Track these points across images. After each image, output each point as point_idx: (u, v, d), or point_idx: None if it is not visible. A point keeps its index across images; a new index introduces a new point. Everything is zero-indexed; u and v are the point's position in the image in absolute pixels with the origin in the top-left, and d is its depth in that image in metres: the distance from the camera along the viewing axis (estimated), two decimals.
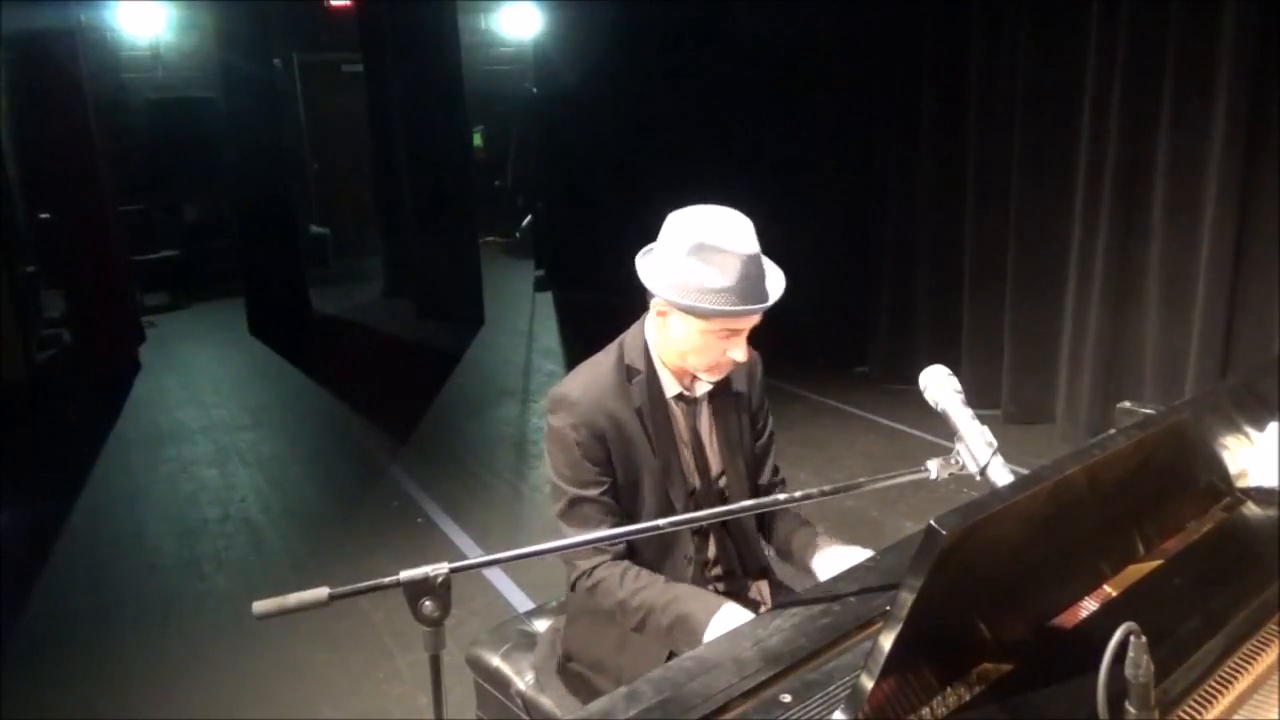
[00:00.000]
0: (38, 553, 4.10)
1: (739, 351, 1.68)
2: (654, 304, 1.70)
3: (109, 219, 6.82)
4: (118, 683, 3.13)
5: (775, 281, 1.68)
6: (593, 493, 1.73)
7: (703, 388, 1.81)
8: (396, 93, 8.09)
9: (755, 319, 1.67)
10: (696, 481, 1.83)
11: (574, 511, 1.74)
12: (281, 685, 3.06)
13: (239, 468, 5.05)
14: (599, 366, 1.80)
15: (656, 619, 1.67)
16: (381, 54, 8.37)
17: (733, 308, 1.60)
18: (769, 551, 2.00)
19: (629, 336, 1.81)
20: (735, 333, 1.66)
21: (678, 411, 1.82)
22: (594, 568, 1.72)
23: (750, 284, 1.61)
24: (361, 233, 10.64)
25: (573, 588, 1.77)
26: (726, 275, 1.59)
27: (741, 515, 1.82)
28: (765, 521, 1.99)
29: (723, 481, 1.86)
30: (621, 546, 1.76)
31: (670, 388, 1.80)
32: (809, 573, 1.83)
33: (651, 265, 1.68)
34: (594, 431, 1.72)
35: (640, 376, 1.77)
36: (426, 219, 8.03)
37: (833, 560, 1.78)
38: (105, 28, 9.72)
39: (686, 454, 1.82)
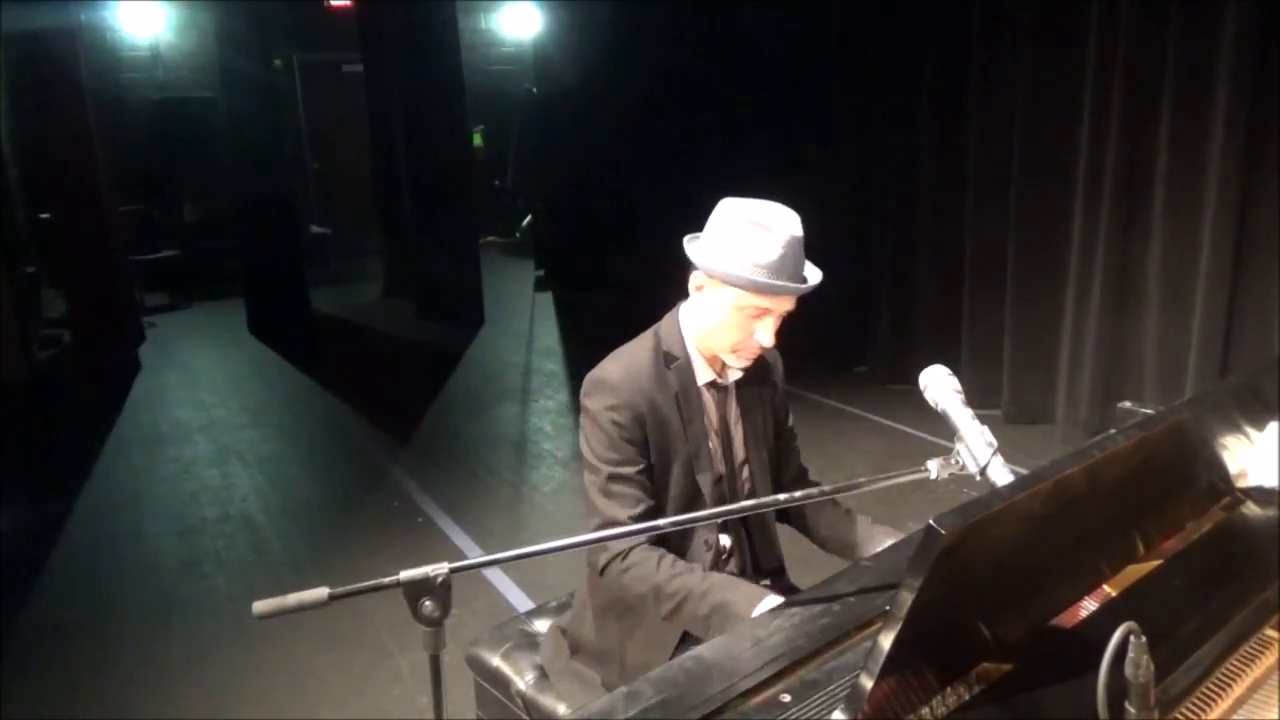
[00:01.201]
0: (38, 553, 4.10)
1: (766, 334, 1.70)
2: (693, 279, 1.74)
3: (109, 219, 6.83)
4: (118, 683, 3.13)
5: (812, 273, 1.73)
6: (630, 470, 1.74)
7: (734, 374, 1.84)
8: (396, 93, 8.09)
9: (788, 304, 1.70)
10: (723, 469, 1.86)
11: (611, 488, 1.74)
12: (281, 685, 3.06)
13: (239, 467, 5.05)
14: (636, 352, 1.82)
15: (694, 605, 1.66)
16: (381, 54, 8.37)
17: (766, 280, 1.63)
18: (778, 547, 2.00)
19: (664, 325, 1.84)
20: (766, 313, 1.69)
21: (709, 399, 1.84)
22: (630, 550, 1.72)
23: (788, 264, 1.65)
24: (361, 233, 10.65)
25: (602, 571, 1.76)
26: (768, 251, 1.63)
27: (742, 514, 1.82)
28: (795, 516, 2.00)
29: (747, 470, 1.88)
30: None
31: (703, 375, 1.82)
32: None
33: (696, 242, 1.73)
34: (634, 414, 1.74)
35: (678, 362, 1.79)
36: (426, 219, 8.02)
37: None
38: (105, 28, 9.73)
39: (716, 440, 1.85)
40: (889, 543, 1.82)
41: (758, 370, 1.87)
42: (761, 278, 1.63)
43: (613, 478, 1.74)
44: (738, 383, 1.86)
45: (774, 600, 1.62)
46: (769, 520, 1.94)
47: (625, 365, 1.79)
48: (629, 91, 7.51)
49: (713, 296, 1.71)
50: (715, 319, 1.72)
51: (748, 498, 1.85)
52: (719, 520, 1.83)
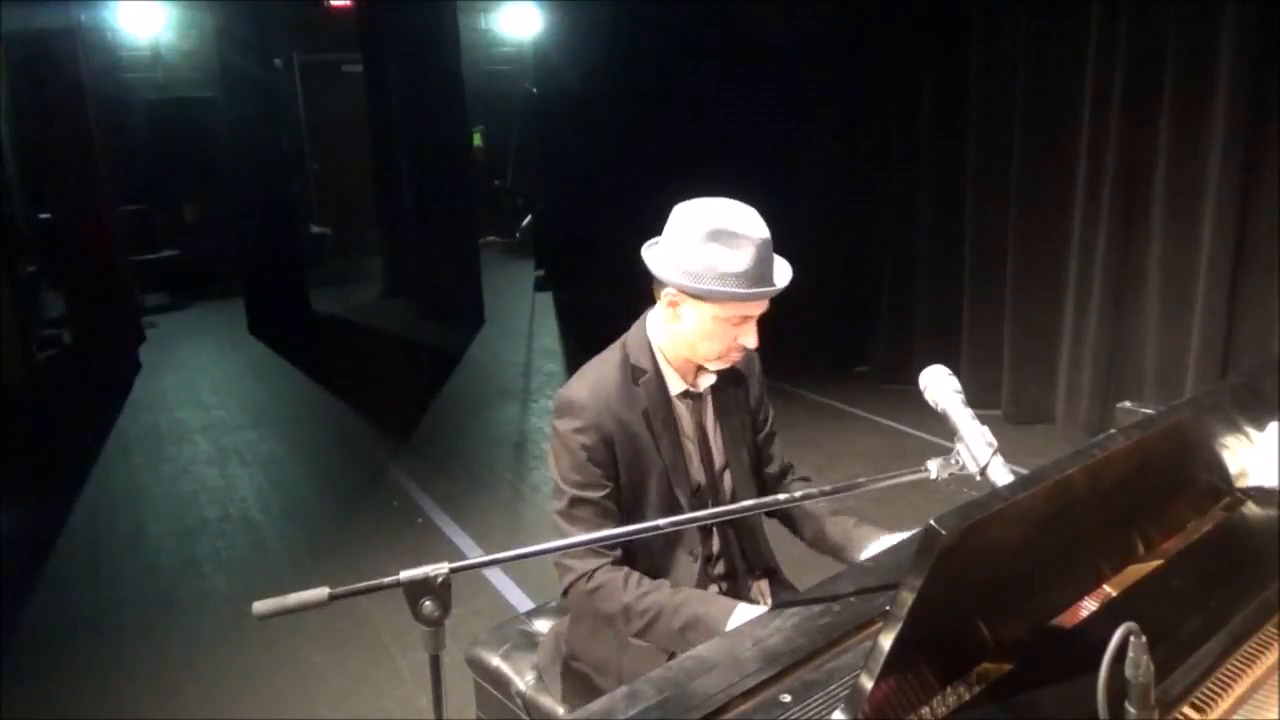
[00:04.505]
0: (38, 553, 4.10)
1: (750, 338, 1.69)
2: (665, 295, 1.70)
3: (109, 219, 6.83)
4: (118, 683, 3.13)
5: (784, 267, 1.70)
6: (594, 495, 1.72)
7: (706, 381, 1.81)
8: (396, 93, 8.09)
9: (765, 304, 1.69)
10: (702, 477, 1.84)
11: (573, 511, 1.74)
12: (281, 685, 3.06)
13: (239, 468, 5.05)
14: (604, 368, 1.79)
15: (667, 621, 1.66)
16: (381, 54, 8.38)
17: (750, 290, 1.61)
18: (768, 549, 1.99)
19: (631, 336, 1.81)
20: (747, 319, 1.67)
21: (683, 409, 1.82)
22: (594, 570, 1.71)
23: (763, 267, 1.63)
24: (361, 233, 10.66)
25: (565, 592, 1.76)
26: (741, 259, 1.61)
27: (741, 514, 1.81)
28: (786, 516, 1.98)
29: (727, 477, 1.87)
30: (620, 550, 1.75)
31: (675, 385, 1.80)
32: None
33: (662, 256, 1.68)
34: (601, 435, 1.72)
35: (646, 376, 1.77)
36: (426, 219, 8.03)
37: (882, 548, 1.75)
38: (105, 28, 9.73)
39: (692, 450, 1.83)
40: (879, 540, 1.79)
41: (733, 372, 1.84)
42: (742, 289, 1.61)
43: (575, 501, 1.73)
44: (713, 387, 1.83)
45: (748, 609, 1.62)
46: (755, 521, 1.92)
47: (592, 383, 1.76)
48: (629, 91, 7.51)
49: (690, 311, 1.68)
50: (696, 331, 1.69)
51: (731, 503, 1.82)
52: (703, 526, 1.82)
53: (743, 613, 1.62)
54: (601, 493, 1.73)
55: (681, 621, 1.64)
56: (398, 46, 7.89)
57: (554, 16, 8.66)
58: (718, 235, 1.61)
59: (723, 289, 1.61)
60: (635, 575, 1.72)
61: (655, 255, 1.69)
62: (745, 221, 1.63)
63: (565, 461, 1.74)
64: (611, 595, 1.69)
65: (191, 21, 9.97)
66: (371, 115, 9.04)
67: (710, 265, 1.61)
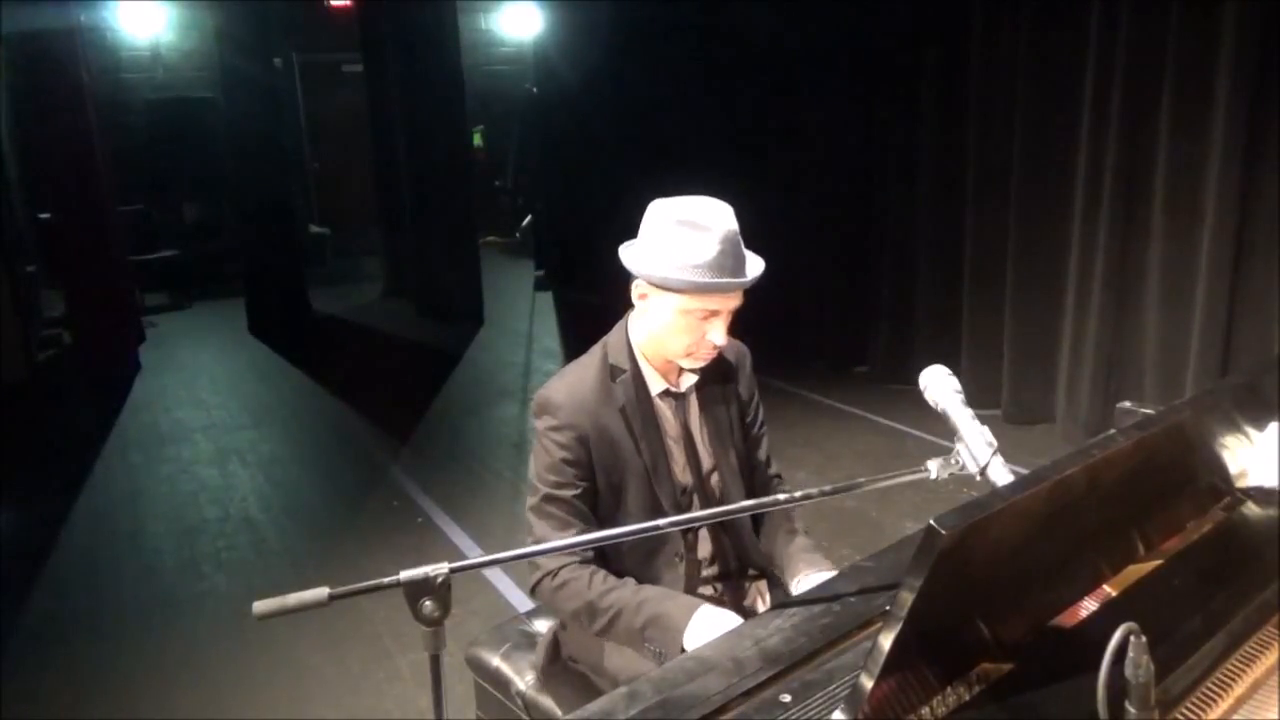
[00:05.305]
0: (38, 553, 4.10)
1: (718, 333, 1.68)
2: (635, 289, 1.72)
3: (109, 219, 6.83)
4: (118, 683, 3.13)
5: (754, 264, 1.69)
6: (565, 494, 1.73)
7: (688, 380, 1.81)
8: (396, 93, 8.09)
9: (734, 299, 1.68)
10: (689, 479, 1.82)
11: (545, 508, 1.74)
12: (281, 685, 3.06)
13: (239, 468, 5.05)
14: (584, 368, 1.79)
15: (629, 619, 1.66)
16: (381, 54, 8.38)
17: (709, 280, 1.61)
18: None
19: (612, 337, 1.82)
20: (714, 314, 1.67)
21: (665, 409, 1.81)
22: (560, 568, 1.71)
23: (728, 260, 1.63)
24: (361, 233, 10.65)
25: (533, 590, 1.76)
26: (704, 251, 1.61)
27: (739, 515, 1.81)
28: (756, 519, 1.98)
29: (714, 477, 1.86)
30: (591, 550, 1.75)
31: (655, 385, 1.79)
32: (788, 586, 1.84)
33: (632, 250, 1.71)
34: (577, 435, 1.72)
35: (624, 376, 1.77)
36: (426, 219, 8.03)
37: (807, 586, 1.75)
38: (105, 28, 9.73)
39: (676, 451, 1.82)
40: (808, 578, 1.77)
41: (720, 370, 1.83)
42: (703, 278, 1.60)
43: (548, 498, 1.73)
44: (698, 386, 1.82)
45: (710, 609, 1.62)
46: (746, 522, 1.91)
47: (571, 383, 1.77)
48: (629, 91, 7.51)
49: (657, 303, 1.68)
50: (664, 325, 1.69)
51: (720, 503, 1.81)
52: (689, 529, 1.81)
53: (705, 613, 1.62)
54: (574, 492, 1.73)
55: (642, 620, 1.65)
56: (398, 46, 7.89)
57: (554, 16, 8.66)
58: (680, 226, 1.62)
59: (683, 278, 1.61)
60: (601, 573, 1.72)
61: (628, 251, 1.71)
62: (710, 213, 1.63)
63: (542, 460, 1.75)
64: (576, 593, 1.70)
65: (191, 21, 9.97)
66: (371, 116, 9.03)
67: (673, 255, 1.62)
